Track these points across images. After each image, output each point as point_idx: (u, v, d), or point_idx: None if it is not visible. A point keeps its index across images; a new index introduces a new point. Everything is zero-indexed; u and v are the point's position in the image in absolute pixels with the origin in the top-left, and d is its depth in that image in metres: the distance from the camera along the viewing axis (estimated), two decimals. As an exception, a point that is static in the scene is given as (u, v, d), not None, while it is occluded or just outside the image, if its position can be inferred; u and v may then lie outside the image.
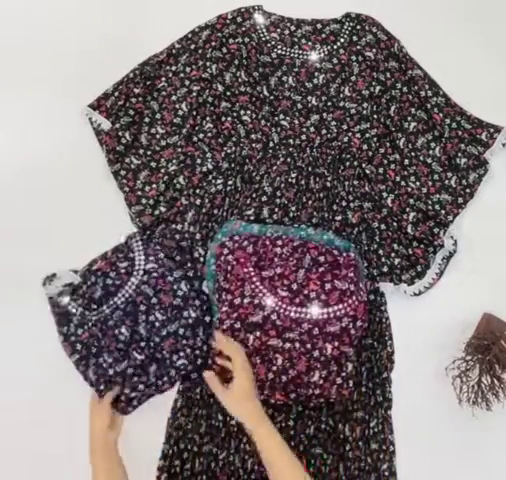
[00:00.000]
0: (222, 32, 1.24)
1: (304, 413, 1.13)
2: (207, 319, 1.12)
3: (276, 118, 1.24)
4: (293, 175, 1.20)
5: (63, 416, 1.16)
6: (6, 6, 1.31)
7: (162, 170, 1.21)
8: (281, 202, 1.18)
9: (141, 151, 1.22)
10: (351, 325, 1.04)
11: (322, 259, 1.08)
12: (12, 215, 1.23)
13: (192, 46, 1.24)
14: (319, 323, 1.04)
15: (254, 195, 1.19)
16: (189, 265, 1.16)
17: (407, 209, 1.19)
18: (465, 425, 1.14)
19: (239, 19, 1.25)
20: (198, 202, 1.19)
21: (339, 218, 1.18)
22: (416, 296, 1.17)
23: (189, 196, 1.20)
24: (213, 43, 1.24)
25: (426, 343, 1.18)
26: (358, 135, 1.22)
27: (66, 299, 1.12)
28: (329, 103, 1.24)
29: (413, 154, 1.22)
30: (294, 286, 1.06)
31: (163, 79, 1.24)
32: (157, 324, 1.10)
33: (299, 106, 1.24)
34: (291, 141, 1.23)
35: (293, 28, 1.26)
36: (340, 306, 1.05)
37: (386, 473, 1.11)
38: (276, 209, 1.17)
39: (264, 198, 1.17)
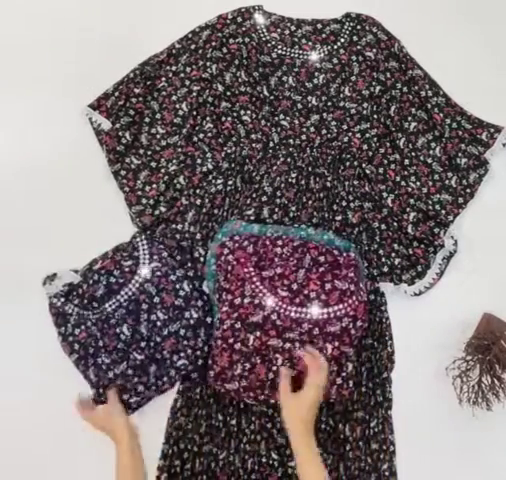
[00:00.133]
0: (222, 32, 1.24)
1: (304, 413, 1.13)
2: (208, 320, 1.12)
3: (276, 118, 1.24)
4: (293, 175, 1.20)
5: (63, 416, 1.16)
6: (6, 6, 1.31)
7: (162, 170, 1.21)
8: (281, 202, 1.18)
9: (141, 151, 1.22)
10: (351, 325, 1.04)
11: (322, 259, 1.08)
12: (12, 215, 1.23)
13: (192, 46, 1.24)
14: (319, 323, 1.04)
15: (254, 195, 1.19)
16: (189, 265, 1.16)
17: (407, 209, 1.19)
18: (465, 425, 1.14)
19: (239, 19, 1.25)
20: (198, 202, 1.19)
21: (339, 218, 1.18)
22: (416, 296, 1.17)
23: (189, 196, 1.20)
24: (213, 43, 1.24)
25: (426, 343, 1.18)
26: (358, 135, 1.22)
27: (61, 300, 1.12)
28: (329, 103, 1.24)
29: (413, 154, 1.22)
30: (294, 286, 1.06)
31: (163, 79, 1.24)
32: (158, 324, 1.10)
33: (299, 106, 1.24)
34: (291, 141, 1.23)
35: (293, 28, 1.27)
36: (340, 306, 1.05)
37: (386, 473, 1.12)
38: (276, 209, 1.17)
39: (264, 198, 1.17)
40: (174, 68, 1.25)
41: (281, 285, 1.06)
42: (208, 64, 1.23)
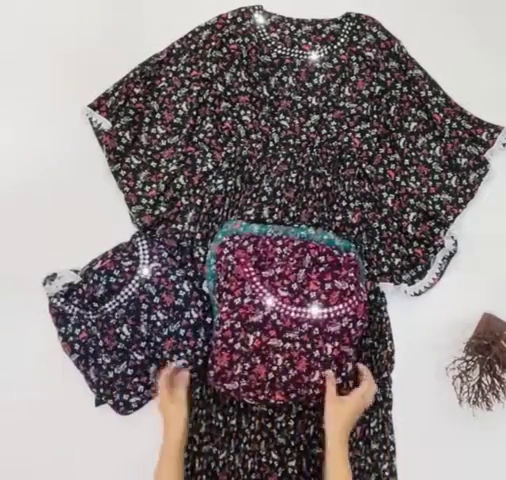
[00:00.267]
0: (222, 32, 1.24)
1: (304, 413, 1.13)
2: (208, 320, 1.12)
3: (276, 118, 1.24)
4: (293, 175, 1.20)
5: (63, 416, 1.16)
6: (6, 6, 1.31)
7: (162, 170, 1.21)
8: (281, 202, 1.18)
9: (141, 151, 1.22)
10: (351, 325, 1.04)
11: (322, 259, 1.08)
12: (12, 215, 1.23)
13: (192, 46, 1.25)
14: (319, 323, 1.04)
15: (254, 195, 1.19)
16: (189, 265, 1.16)
17: (407, 209, 1.19)
18: (465, 425, 1.14)
19: (239, 19, 1.25)
20: (198, 202, 1.19)
21: (339, 218, 1.18)
22: (416, 296, 1.17)
23: (189, 196, 1.20)
24: (213, 43, 1.24)
25: (426, 343, 1.18)
26: (358, 135, 1.22)
27: (61, 300, 1.12)
28: (329, 103, 1.24)
29: (413, 154, 1.22)
30: (294, 286, 1.06)
31: (163, 79, 1.24)
32: (158, 324, 1.10)
33: (299, 106, 1.24)
34: (291, 141, 1.23)
35: (293, 28, 1.27)
36: (340, 306, 1.05)
37: (386, 473, 1.12)
38: (276, 209, 1.17)
39: (264, 198, 1.17)
40: (174, 68, 1.25)
41: (281, 285, 1.06)
42: (208, 64, 1.23)
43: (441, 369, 1.14)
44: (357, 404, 1.00)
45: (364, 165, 1.21)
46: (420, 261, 1.17)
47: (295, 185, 1.19)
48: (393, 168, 1.22)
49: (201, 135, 1.22)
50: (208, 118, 1.23)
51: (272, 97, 1.24)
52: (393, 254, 1.17)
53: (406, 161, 1.22)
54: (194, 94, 1.23)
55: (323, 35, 1.26)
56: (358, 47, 1.25)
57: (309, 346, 1.04)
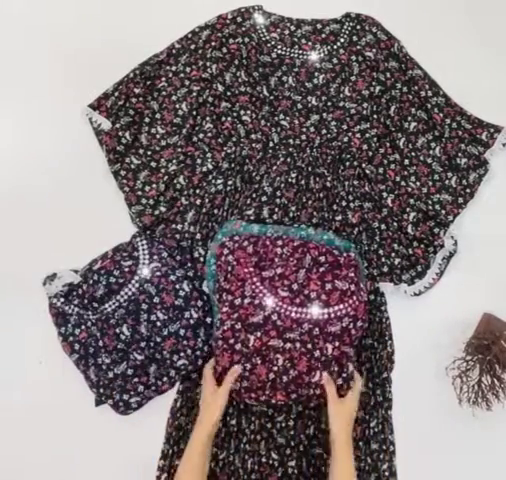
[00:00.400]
0: (222, 32, 1.24)
1: (304, 413, 1.13)
2: (208, 320, 1.12)
3: (276, 118, 1.24)
4: (293, 175, 1.20)
5: (63, 416, 1.16)
6: (7, 7, 1.31)
7: (162, 170, 1.21)
8: (281, 202, 1.18)
9: (141, 151, 1.22)
10: (352, 325, 1.04)
11: (322, 259, 1.08)
12: (12, 215, 1.23)
13: (192, 46, 1.24)
14: (320, 323, 1.04)
15: (254, 195, 1.18)
16: (189, 265, 1.16)
17: (407, 209, 1.19)
18: (465, 425, 1.14)
19: (239, 19, 1.25)
20: (198, 202, 1.19)
21: (339, 218, 1.18)
22: (416, 296, 1.17)
23: (189, 196, 1.20)
24: (213, 43, 1.24)
25: (426, 343, 1.18)
26: (358, 135, 1.22)
27: (61, 300, 1.12)
28: (329, 103, 1.24)
29: (413, 154, 1.22)
30: (295, 286, 1.06)
31: (163, 79, 1.24)
32: (158, 324, 1.10)
33: (299, 106, 1.24)
34: (291, 141, 1.23)
35: (293, 28, 1.26)
36: (341, 306, 1.05)
37: (386, 473, 1.12)
38: (276, 209, 1.17)
39: (264, 198, 1.17)
40: (174, 68, 1.24)
41: (281, 285, 1.06)
42: (208, 64, 1.23)
43: (441, 369, 1.14)
44: (355, 402, 1.04)
45: (364, 165, 1.21)
46: (420, 261, 1.17)
47: (295, 185, 1.19)
48: (393, 168, 1.22)
49: (201, 135, 1.22)
50: (208, 118, 1.23)
51: (272, 97, 1.24)
52: (393, 254, 1.17)
53: (406, 161, 1.22)
54: (194, 94, 1.23)
55: (323, 35, 1.26)
56: (358, 47, 1.25)
57: (310, 346, 1.04)
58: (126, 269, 1.13)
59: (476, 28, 1.31)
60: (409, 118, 1.24)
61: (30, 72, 1.28)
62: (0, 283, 1.20)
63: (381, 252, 1.17)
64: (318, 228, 1.16)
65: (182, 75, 1.24)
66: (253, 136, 1.23)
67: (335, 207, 1.18)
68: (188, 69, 1.24)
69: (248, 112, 1.23)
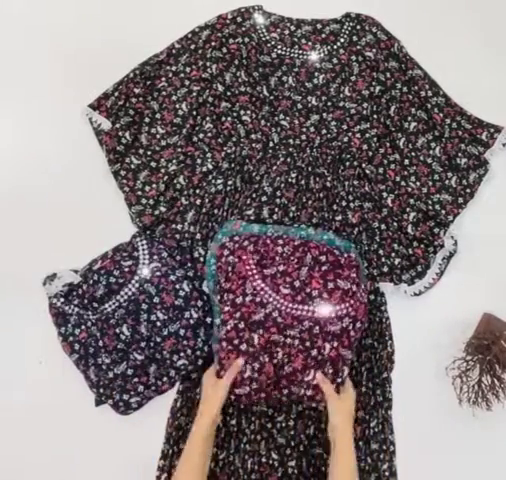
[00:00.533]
0: (222, 32, 1.24)
1: (304, 413, 1.13)
2: (208, 320, 1.12)
3: (276, 118, 1.24)
4: (293, 175, 1.20)
5: (63, 416, 1.16)
6: (6, 6, 1.31)
7: (162, 170, 1.21)
8: (281, 202, 1.18)
9: (141, 151, 1.22)
10: (351, 326, 1.04)
11: (323, 258, 1.08)
12: (12, 215, 1.23)
13: (192, 46, 1.24)
14: (320, 321, 1.04)
15: (254, 195, 1.18)
16: (189, 265, 1.16)
17: (407, 209, 1.19)
18: (465, 425, 1.14)
19: (239, 19, 1.25)
20: (198, 202, 1.19)
21: (339, 218, 1.18)
22: (416, 296, 1.17)
23: (189, 196, 1.20)
24: (213, 43, 1.24)
25: (426, 343, 1.18)
26: (358, 135, 1.22)
27: (61, 300, 1.12)
28: (329, 103, 1.24)
29: (413, 154, 1.22)
30: (296, 283, 1.06)
31: (163, 79, 1.24)
32: (158, 324, 1.10)
33: (299, 106, 1.24)
34: (291, 141, 1.23)
35: (293, 28, 1.26)
36: (342, 306, 1.05)
37: (386, 473, 1.12)
38: (276, 209, 1.17)
39: (264, 198, 1.17)
40: (174, 68, 1.24)
41: (283, 282, 1.06)
42: (208, 64, 1.23)
43: (441, 369, 1.14)
44: (353, 400, 1.04)
45: (364, 165, 1.21)
46: (420, 261, 1.17)
47: (295, 185, 1.19)
48: (393, 168, 1.22)
49: (201, 135, 1.22)
50: (208, 118, 1.23)
51: (272, 97, 1.24)
52: (393, 254, 1.17)
53: (406, 161, 1.22)
54: (194, 94, 1.23)
55: (323, 35, 1.26)
56: (358, 47, 1.25)
57: (308, 344, 1.03)
58: (126, 269, 1.13)
59: (476, 28, 1.31)
60: (409, 118, 1.24)
61: (30, 72, 1.28)
62: (0, 283, 1.20)
63: (381, 252, 1.17)
64: (318, 228, 1.15)
65: (182, 75, 1.24)
66: (253, 136, 1.23)
67: (335, 207, 1.18)
68: (188, 69, 1.24)
69: (248, 112, 1.23)
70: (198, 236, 1.17)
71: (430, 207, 1.19)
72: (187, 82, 1.24)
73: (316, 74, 1.25)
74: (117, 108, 1.21)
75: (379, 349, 1.15)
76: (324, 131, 1.23)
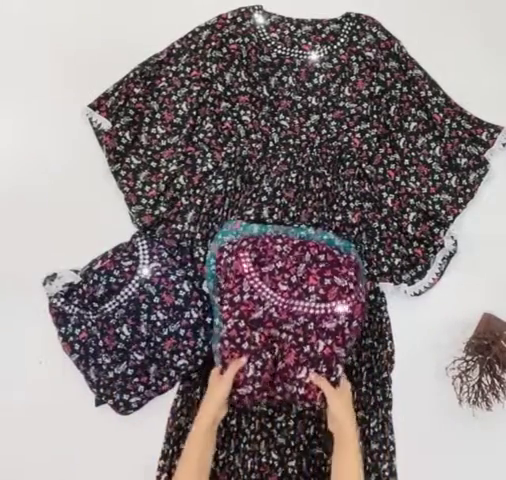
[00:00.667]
0: (222, 32, 1.24)
1: (304, 413, 1.13)
2: (208, 320, 1.12)
3: (276, 118, 1.24)
4: (293, 175, 1.20)
5: (63, 416, 1.16)
6: (6, 6, 1.31)
7: (162, 170, 1.21)
8: (281, 202, 1.18)
9: (141, 151, 1.22)
10: (347, 324, 1.03)
11: (322, 257, 1.07)
12: (12, 215, 1.23)
13: (192, 46, 1.25)
14: (315, 318, 1.04)
15: (254, 195, 1.19)
16: (189, 265, 1.16)
17: (407, 209, 1.19)
18: (465, 425, 1.14)
19: (239, 19, 1.25)
20: (198, 202, 1.19)
21: (339, 218, 1.18)
22: (416, 296, 1.17)
23: (189, 196, 1.20)
24: (213, 43, 1.24)
25: (426, 343, 1.18)
26: (358, 135, 1.22)
27: (61, 300, 1.12)
28: (329, 103, 1.24)
29: (413, 154, 1.22)
30: (293, 279, 1.06)
31: (163, 79, 1.24)
32: (158, 324, 1.10)
33: (299, 106, 1.24)
34: (291, 141, 1.23)
35: (293, 28, 1.26)
36: (338, 303, 1.04)
37: (386, 473, 1.12)
38: (276, 209, 1.17)
39: (264, 198, 1.17)
40: (174, 68, 1.24)
41: (281, 279, 1.06)
42: (208, 64, 1.23)
43: (441, 369, 1.14)
44: (348, 386, 1.04)
45: (364, 165, 1.21)
46: (420, 261, 1.17)
47: (295, 185, 1.19)
48: (393, 168, 1.22)
49: (201, 135, 1.22)
50: (208, 118, 1.23)
51: (272, 97, 1.24)
52: (393, 254, 1.17)
53: (406, 161, 1.22)
54: (194, 94, 1.23)
55: (323, 35, 1.26)
56: (358, 47, 1.25)
57: (301, 339, 1.03)
58: (126, 269, 1.13)
59: (476, 28, 1.31)
60: (409, 118, 1.24)
61: (30, 72, 1.28)
62: (0, 283, 1.20)
63: (381, 252, 1.17)
64: (318, 228, 1.15)
65: (182, 75, 1.24)
66: (253, 136, 1.23)
67: (335, 207, 1.18)
68: (188, 69, 1.24)
69: (248, 112, 1.23)
70: (198, 236, 1.17)
71: (430, 207, 1.19)
72: (187, 82, 1.24)
73: (316, 74, 1.25)
74: (117, 108, 1.21)
75: (379, 349, 1.15)
76: (324, 131, 1.23)
